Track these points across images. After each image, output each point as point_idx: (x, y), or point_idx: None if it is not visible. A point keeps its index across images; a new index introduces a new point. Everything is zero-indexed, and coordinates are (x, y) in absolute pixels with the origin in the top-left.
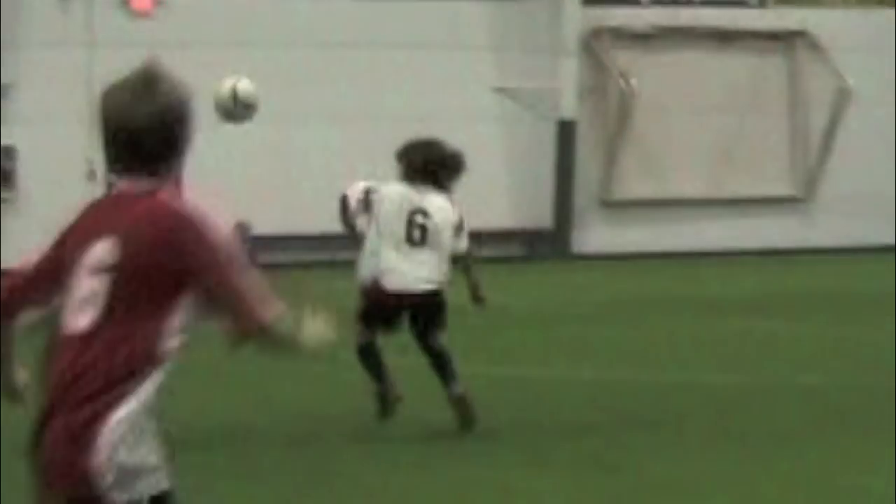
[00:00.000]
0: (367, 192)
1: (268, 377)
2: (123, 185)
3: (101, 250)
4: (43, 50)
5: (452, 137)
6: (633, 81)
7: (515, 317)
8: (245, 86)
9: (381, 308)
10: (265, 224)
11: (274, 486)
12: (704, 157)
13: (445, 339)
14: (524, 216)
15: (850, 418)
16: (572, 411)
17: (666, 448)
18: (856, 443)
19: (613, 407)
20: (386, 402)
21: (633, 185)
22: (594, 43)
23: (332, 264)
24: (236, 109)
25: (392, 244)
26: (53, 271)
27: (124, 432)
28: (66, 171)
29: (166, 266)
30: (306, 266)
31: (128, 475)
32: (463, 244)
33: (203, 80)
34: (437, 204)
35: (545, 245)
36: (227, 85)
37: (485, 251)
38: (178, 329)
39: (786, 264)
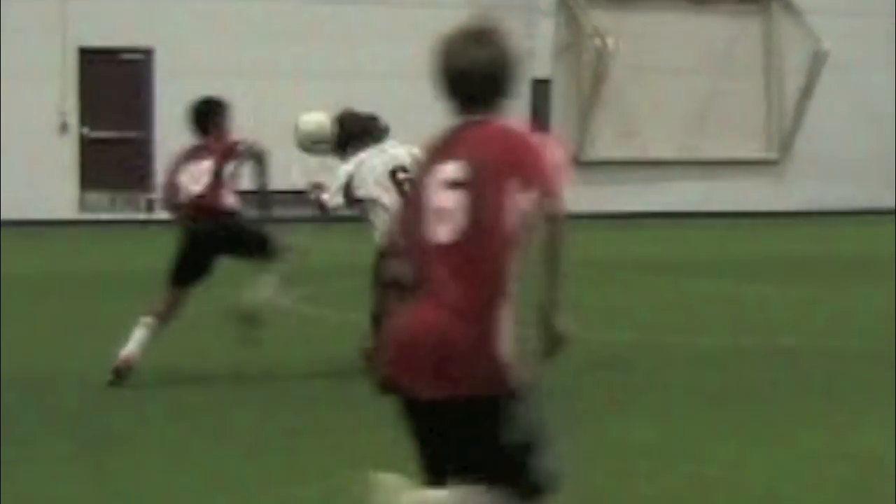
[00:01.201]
0: (347, 188)
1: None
2: (461, 118)
3: (449, 170)
4: (17, 2)
5: (424, 93)
6: (609, 41)
7: None
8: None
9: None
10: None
11: (246, 443)
12: (679, 119)
13: None
14: None
15: (821, 381)
16: (541, 373)
17: (633, 409)
18: (828, 405)
19: (581, 367)
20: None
21: (608, 145)
22: (570, 2)
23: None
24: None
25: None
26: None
27: (507, 330)
28: (38, 122)
29: (507, 179)
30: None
31: (511, 368)
32: None
33: (176, 30)
34: (405, 153)
35: None
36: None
37: None
38: (522, 237)
39: (759, 227)
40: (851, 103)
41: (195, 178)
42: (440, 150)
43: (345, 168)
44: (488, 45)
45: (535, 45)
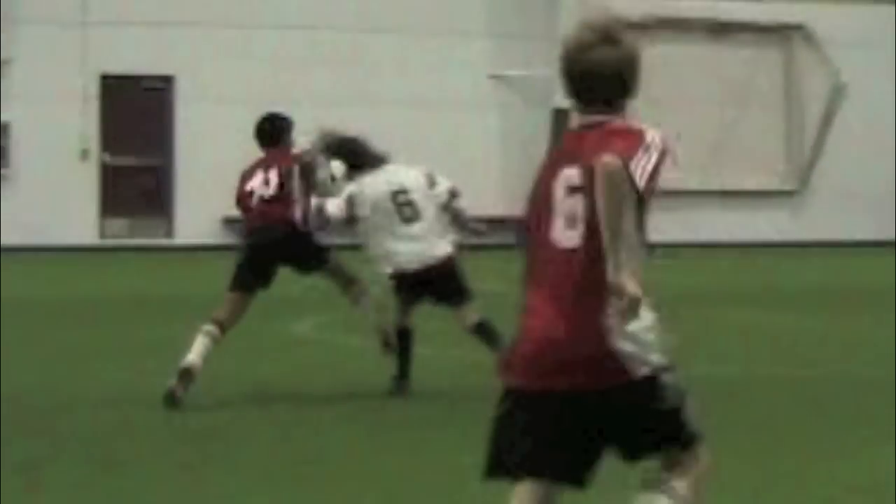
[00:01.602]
0: (349, 204)
1: (258, 360)
2: (584, 119)
3: (571, 175)
4: (40, 27)
5: (446, 124)
6: None
7: (508, 304)
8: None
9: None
10: None
11: (259, 469)
12: (697, 149)
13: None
14: (517, 204)
15: (838, 411)
16: None
17: None
18: (844, 435)
19: None
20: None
21: None
22: None
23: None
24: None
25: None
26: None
27: (636, 331)
28: (59, 148)
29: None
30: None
31: (643, 363)
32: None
33: (196, 58)
34: (407, 176)
35: None
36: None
37: (477, 238)
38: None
39: (777, 257)
40: (870, 135)
41: (265, 185)
42: (565, 154)
43: (350, 187)
44: (615, 45)
45: (555, 74)
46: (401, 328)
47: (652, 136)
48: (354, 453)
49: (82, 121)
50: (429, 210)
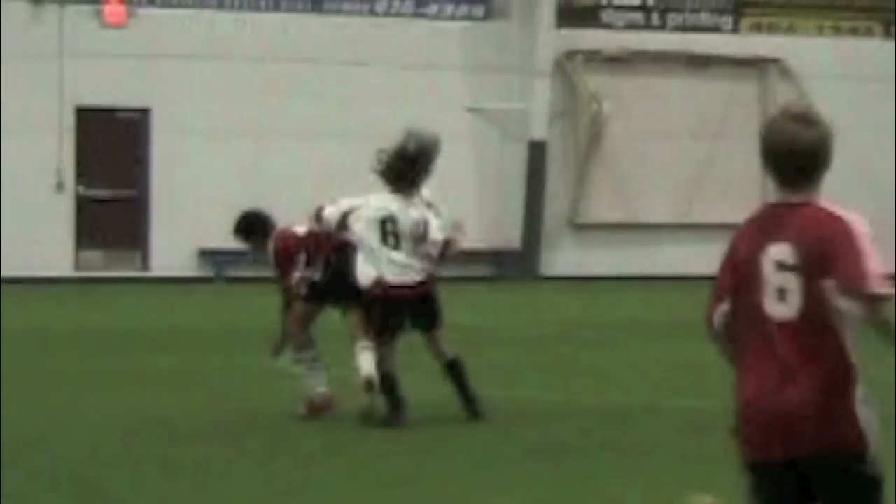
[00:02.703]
0: (346, 214)
1: (236, 393)
2: (786, 196)
3: (780, 251)
4: (15, 61)
5: None
6: (605, 104)
7: (482, 337)
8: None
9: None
10: (232, 240)
11: (245, 501)
12: (675, 182)
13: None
14: (493, 236)
15: None
16: (539, 432)
17: (632, 471)
18: None
19: (580, 429)
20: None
21: (603, 208)
22: (567, 65)
23: None
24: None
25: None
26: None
27: (864, 407)
28: (35, 180)
29: (829, 273)
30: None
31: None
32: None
33: (173, 89)
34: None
35: (513, 266)
36: None
37: (453, 271)
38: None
39: None
40: (849, 170)
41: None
42: (769, 229)
43: (351, 200)
44: (812, 127)
45: (532, 107)
46: (384, 374)
47: (859, 229)
48: (334, 486)
49: (58, 153)
50: (411, 243)
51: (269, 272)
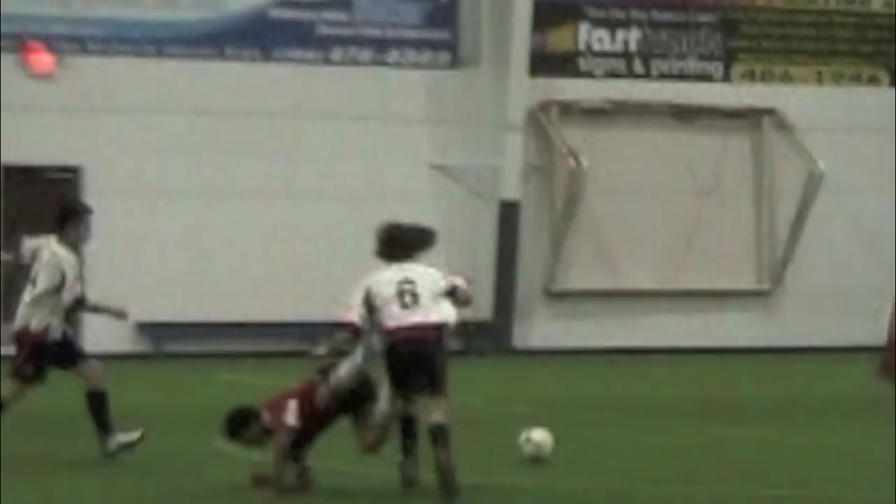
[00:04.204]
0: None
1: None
2: None
3: None
4: None
5: (384, 217)
6: (584, 160)
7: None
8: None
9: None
10: (173, 312)
11: None
12: (660, 246)
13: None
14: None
15: None
16: None
17: None
18: None
19: None
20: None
21: (582, 274)
22: (542, 117)
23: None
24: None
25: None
26: None
27: None
28: None
29: None
30: (217, 357)
31: None
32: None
33: (107, 146)
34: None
35: (484, 338)
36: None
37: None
38: None
39: (749, 364)
40: (849, 230)
41: None
42: None
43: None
44: None
45: (504, 164)
46: (404, 415)
47: None
48: None
49: None
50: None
51: (211, 347)
